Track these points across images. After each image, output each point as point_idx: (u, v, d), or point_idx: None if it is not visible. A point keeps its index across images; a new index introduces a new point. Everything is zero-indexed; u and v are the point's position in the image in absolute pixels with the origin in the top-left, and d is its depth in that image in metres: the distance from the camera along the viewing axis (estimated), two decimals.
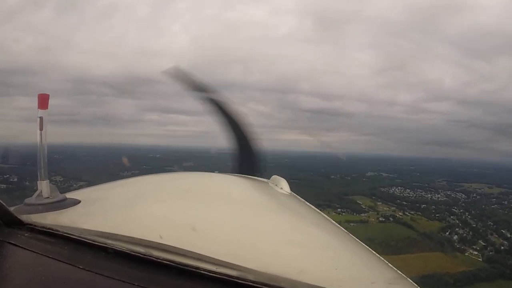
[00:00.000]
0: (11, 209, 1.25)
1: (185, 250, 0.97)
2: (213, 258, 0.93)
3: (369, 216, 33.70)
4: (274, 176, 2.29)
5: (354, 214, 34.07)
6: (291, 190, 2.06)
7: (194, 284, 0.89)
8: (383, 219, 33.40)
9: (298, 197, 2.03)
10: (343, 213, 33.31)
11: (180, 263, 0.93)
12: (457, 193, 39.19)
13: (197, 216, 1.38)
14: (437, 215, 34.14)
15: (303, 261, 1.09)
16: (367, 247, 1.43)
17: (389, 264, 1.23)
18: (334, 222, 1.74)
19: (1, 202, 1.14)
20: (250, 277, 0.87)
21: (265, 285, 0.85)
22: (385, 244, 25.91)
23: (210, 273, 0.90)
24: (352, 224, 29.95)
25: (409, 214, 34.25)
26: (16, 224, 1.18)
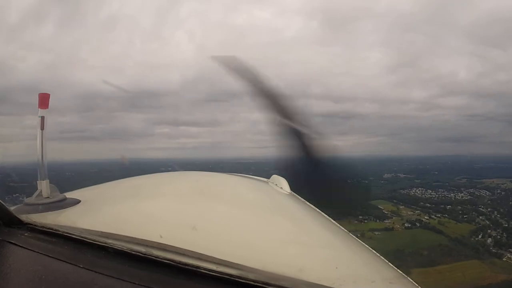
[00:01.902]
0: (11, 208, 1.25)
1: (185, 249, 0.97)
2: (213, 257, 0.93)
3: (393, 222, 31.00)
4: (274, 176, 2.24)
5: (377, 221, 31.40)
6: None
7: (195, 283, 0.89)
8: (409, 225, 30.90)
9: (298, 196, 1.99)
10: (366, 221, 31.11)
11: (180, 262, 0.92)
12: (481, 191, 36.88)
13: (197, 215, 1.37)
14: (464, 216, 31.85)
15: (304, 260, 1.08)
16: (367, 246, 1.39)
17: (389, 263, 1.21)
18: (334, 221, 1.69)
19: (1, 202, 1.14)
20: (251, 276, 0.87)
21: (266, 284, 0.85)
22: (417, 254, 24.06)
23: (211, 272, 0.89)
24: (377, 232, 28.03)
25: (435, 217, 31.82)
26: (16, 223, 1.18)
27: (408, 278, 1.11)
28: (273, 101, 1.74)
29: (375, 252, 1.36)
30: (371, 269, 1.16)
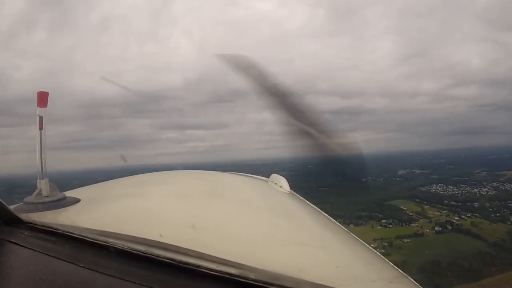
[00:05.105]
0: (11, 207, 1.25)
1: (185, 248, 0.96)
2: (214, 256, 0.92)
3: (421, 226, 27.68)
4: (273, 175, 2.24)
5: (403, 225, 28.32)
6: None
7: (195, 283, 0.88)
8: (440, 228, 27.56)
9: (298, 195, 1.99)
10: (390, 225, 27.99)
11: (180, 262, 0.92)
12: (504, 184, 33.91)
13: (197, 214, 1.36)
14: (497, 214, 28.69)
15: (304, 259, 1.07)
16: (368, 245, 1.37)
17: (389, 262, 1.20)
18: (334, 220, 1.68)
19: (1, 201, 1.14)
20: (251, 275, 0.86)
21: (266, 283, 0.84)
22: (457, 266, 20.82)
23: (211, 271, 0.89)
24: (405, 240, 24.85)
25: (466, 218, 28.65)
26: (16, 222, 1.17)
27: (409, 277, 1.08)
28: (281, 99, 1.70)
29: (375, 251, 1.33)
30: (371, 269, 1.13)
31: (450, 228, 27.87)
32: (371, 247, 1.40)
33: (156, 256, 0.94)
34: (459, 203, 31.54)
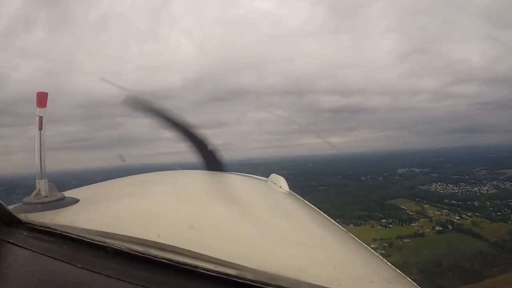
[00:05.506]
0: (10, 208, 1.25)
1: (183, 249, 0.96)
2: (212, 257, 0.92)
3: (422, 226, 27.79)
4: (272, 175, 2.24)
5: (403, 224, 28.37)
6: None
7: (193, 283, 0.88)
8: (440, 228, 27.65)
9: (297, 195, 1.98)
10: (390, 225, 27.79)
11: (178, 262, 0.92)
12: (504, 183, 33.85)
13: (195, 214, 1.36)
14: (497, 213, 28.57)
15: (302, 259, 1.07)
16: (366, 245, 1.37)
17: (388, 263, 1.19)
18: (333, 221, 1.67)
19: (0, 201, 1.14)
20: (249, 275, 0.86)
21: (264, 283, 0.84)
22: (457, 267, 20.63)
23: (209, 271, 0.88)
24: (406, 240, 24.70)
25: (466, 217, 28.65)
26: (15, 223, 1.17)
27: (407, 278, 1.07)
28: (180, 128, 1.96)
29: (374, 251, 1.33)
30: (370, 269, 1.13)
31: (451, 227, 27.79)
32: (371, 247, 1.41)
33: (154, 257, 0.94)
34: (459, 202, 31.50)
